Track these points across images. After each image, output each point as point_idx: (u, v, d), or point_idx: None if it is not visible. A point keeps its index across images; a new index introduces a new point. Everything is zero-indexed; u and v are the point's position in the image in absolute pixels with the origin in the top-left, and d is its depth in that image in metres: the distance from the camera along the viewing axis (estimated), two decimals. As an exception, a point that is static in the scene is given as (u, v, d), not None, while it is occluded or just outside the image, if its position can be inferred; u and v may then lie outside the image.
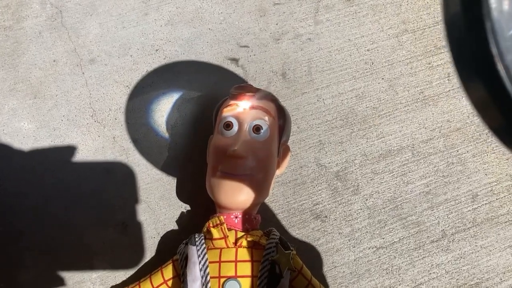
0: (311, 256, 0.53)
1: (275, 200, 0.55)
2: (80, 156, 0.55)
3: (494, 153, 0.58)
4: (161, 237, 0.54)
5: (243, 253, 0.45)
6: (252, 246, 0.45)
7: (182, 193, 0.55)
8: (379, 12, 0.61)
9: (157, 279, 0.47)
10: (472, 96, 0.21)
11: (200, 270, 0.44)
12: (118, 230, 0.53)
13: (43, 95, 0.57)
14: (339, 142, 0.57)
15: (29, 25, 0.58)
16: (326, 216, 0.55)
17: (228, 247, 0.45)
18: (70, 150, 0.55)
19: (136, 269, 0.52)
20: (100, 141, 0.56)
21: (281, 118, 0.51)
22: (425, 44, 0.61)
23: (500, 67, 0.19)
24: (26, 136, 0.55)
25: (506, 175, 0.57)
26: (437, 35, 0.61)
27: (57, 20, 0.59)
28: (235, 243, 0.45)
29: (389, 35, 0.61)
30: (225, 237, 0.45)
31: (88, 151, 0.55)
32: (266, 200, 0.54)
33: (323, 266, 0.53)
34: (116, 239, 0.53)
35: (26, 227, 0.53)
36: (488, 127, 0.21)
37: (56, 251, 0.53)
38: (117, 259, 0.53)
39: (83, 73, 0.57)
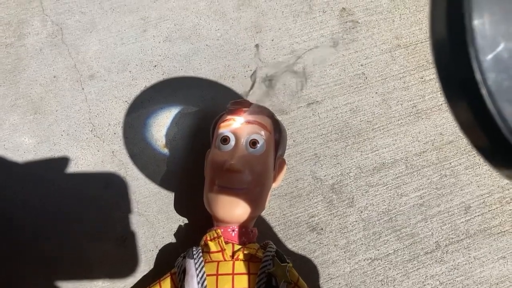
0: (307, 268, 0.54)
1: (271, 213, 0.56)
2: (80, 170, 0.56)
3: (486, 165, 0.59)
4: (159, 250, 0.54)
5: (240, 266, 0.46)
6: (249, 259, 0.46)
7: (180, 207, 0.56)
8: (372, 28, 0.63)
9: (156, 292, 0.48)
10: (458, 117, 0.22)
11: (198, 283, 0.44)
12: (117, 243, 0.54)
13: (43, 111, 0.58)
14: (334, 155, 0.58)
15: (30, 42, 0.60)
16: (322, 229, 0.56)
17: (225, 260, 0.46)
18: (70, 164, 0.56)
19: (135, 282, 0.53)
20: (100, 155, 0.57)
21: (277, 132, 0.52)
22: (418, 59, 0.62)
23: (483, 92, 0.20)
24: (27, 151, 0.56)
25: (498, 187, 0.58)
26: (429, 50, 0.62)
27: (58, 37, 0.60)
28: (232, 256, 0.46)
29: (382, 50, 0.62)
30: (222, 250, 0.46)
31: (87, 166, 0.56)
32: (263, 213, 0.55)
33: (319, 278, 0.54)
34: (115, 252, 0.54)
35: (25, 240, 0.54)
36: (474, 148, 0.22)
37: (55, 264, 0.53)
38: (116, 272, 0.53)
39: (83, 88, 0.59)
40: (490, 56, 0.20)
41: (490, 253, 0.56)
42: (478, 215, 0.57)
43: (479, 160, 0.59)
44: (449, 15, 0.20)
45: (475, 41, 0.19)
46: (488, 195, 0.58)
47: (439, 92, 0.61)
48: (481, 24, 0.19)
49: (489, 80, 0.19)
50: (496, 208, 0.57)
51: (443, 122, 0.60)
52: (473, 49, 0.19)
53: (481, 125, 0.20)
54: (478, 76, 0.19)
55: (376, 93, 0.60)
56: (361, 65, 0.61)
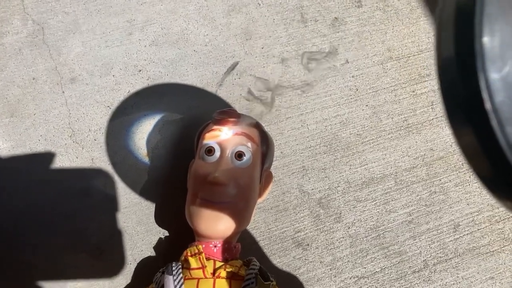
0: (292, 286, 0.52)
1: (256, 226, 0.54)
2: (57, 177, 0.53)
3: (476, 182, 0.58)
4: (138, 264, 0.52)
5: (222, 284, 0.44)
6: (231, 277, 0.44)
7: (160, 219, 0.53)
8: (365, 39, 0.62)
9: (132, 309, 0.45)
10: (461, 141, 0.20)
11: (176, 301, 0.42)
12: (93, 255, 0.52)
13: (20, 114, 0.55)
14: (323, 169, 0.56)
15: (8, 42, 0.57)
16: (308, 244, 0.54)
17: (206, 277, 0.44)
18: (47, 171, 0.54)
19: (111, 297, 0.51)
20: (78, 162, 0.54)
21: (264, 144, 0.50)
22: (410, 72, 0.61)
23: (490, 115, 0.18)
24: (1, 155, 0.54)
25: (488, 205, 0.57)
26: (421, 63, 0.62)
27: (39, 37, 0.58)
28: (213, 273, 0.44)
29: (374, 62, 0.61)
30: (203, 267, 0.44)
31: (65, 173, 0.54)
32: (247, 227, 0.53)
33: (303, 296, 0.52)
34: (91, 264, 0.51)
35: (-4, 251, 0.51)
36: (476, 175, 0.21)
37: (27, 277, 0.51)
38: (91, 285, 0.51)
39: (63, 92, 0.56)
40: (498, 76, 0.18)
41: (478, 273, 0.55)
42: (467, 234, 0.56)
43: (469, 177, 0.58)
44: (458, 34, 0.19)
45: (484, 60, 0.18)
46: (477, 213, 0.57)
47: (430, 107, 0.60)
48: (490, 43, 0.18)
49: (496, 101, 0.18)
50: (485, 227, 0.56)
51: (434, 138, 0.59)
52: (482, 69, 0.18)
53: (485, 151, 0.19)
54: (486, 98, 0.18)
55: (367, 105, 0.59)
56: (352, 77, 0.60)
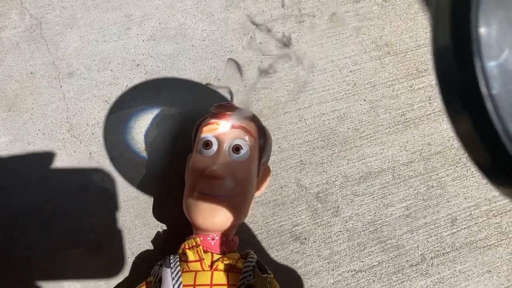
0: (289, 280, 0.52)
1: (254, 220, 0.54)
2: (55, 172, 0.53)
3: (474, 177, 0.58)
4: (136, 257, 0.52)
5: (219, 277, 0.44)
6: (228, 270, 0.44)
7: (158, 213, 0.53)
8: (363, 34, 0.62)
9: (129, 302, 0.45)
10: (458, 130, 0.20)
11: (174, 293, 0.42)
12: (91, 249, 0.52)
13: (18, 108, 0.55)
14: (320, 163, 0.56)
15: (6, 36, 0.57)
16: (305, 238, 0.54)
17: (203, 270, 0.44)
18: (45, 166, 0.54)
19: (109, 291, 0.51)
20: (76, 156, 0.54)
21: (262, 138, 0.50)
22: (407, 67, 0.61)
23: (487, 102, 0.18)
24: (-1, 149, 0.54)
25: (485, 200, 0.57)
26: (419, 58, 0.62)
27: (36, 32, 0.58)
28: (211, 266, 0.44)
29: (371, 57, 0.61)
30: (200, 260, 0.44)
31: (63, 167, 0.54)
32: (245, 221, 0.53)
33: (301, 289, 0.53)
34: (88, 258, 0.51)
35: (-6, 245, 0.51)
36: (474, 163, 0.21)
37: (25, 270, 0.51)
38: (89, 279, 0.51)
39: (61, 86, 0.56)
40: (494, 63, 0.18)
41: (475, 266, 0.55)
42: (465, 228, 0.56)
43: (467, 171, 0.58)
44: (454, 21, 0.19)
45: (480, 47, 0.18)
46: (474, 208, 0.57)
47: (428, 102, 0.60)
48: (487, 30, 0.18)
49: (494, 89, 0.18)
50: (483, 221, 0.56)
51: (432, 132, 0.59)
52: (478, 56, 0.18)
53: (482, 138, 0.19)
54: (482, 84, 0.18)
55: (365, 100, 0.59)
56: (350, 72, 0.60)
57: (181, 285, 0.43)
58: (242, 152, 0.47)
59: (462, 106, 0.19)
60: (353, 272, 0.53)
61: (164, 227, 0.53)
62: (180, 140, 0.55)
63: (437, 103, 0.60)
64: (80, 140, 0.55)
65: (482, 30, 0.18)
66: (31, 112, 0.55)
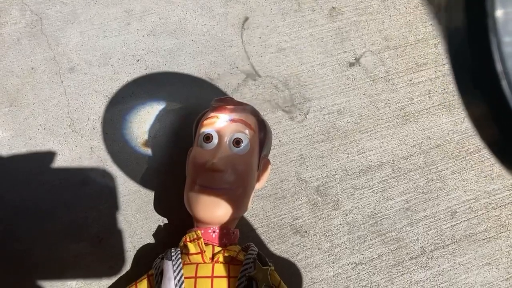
0: (290, 272, 0.53)
1: (254, 214, 0.54)
2: (56, 166, 0.54)
3: (473, 170, 0.58)
4: (137, 251, 0.52)
5: (220, 269, 0.44)
6: (229, 262, 0.45)
7: (159, 206, 0.54)
8: (362, 29, 0.62)
9: (131, 294, 0.46)
10: (471, 110, 0.20)
11: (176, 285, 0.42)
12: (93, 243, 0.52)
13: (19, 103, 0.55)
14: (320, 157, 0.57)
15: (7, 32, 0.57)
16: (305, 231, 0.54)
17: (204, 262, 0.44)
18: (46, 160, 0.54)
19: (110, 284, 0.51)
20: (77, 151, 0.54)
21: (262, 131, 0.50)
22: (407, 61, 0.61)
23: (504, 83, 0.18)
24: (1, 144, 0.54)
25: (484, 193, 0.57)
26: (418, 52, 0.62)
27: (37, 27, 0.58)
28: (212, 258, 0.44)
29: (371, 51, 0.61)
30: (201, 252, 0.44)
31: (64, 162, 0.54)
32: (245, 214, 0.54)
33: (302, 282, 0.53)
34: (90, 252, 0.52)
35: (-4, 239, 0.51)
36: (485, 144, 0.21)
37: (26, 263, 0.51)
38: (91, 273, 0.51)
39: (62, 81, 0.56)
40: (510, 40, 0.18)
41: (475, 259, 0.55)
42: (464, 221, 0.56)
43: (466, 165, 0.58)
44: (469, 3, 0.18)
45: (496, 23, 0.18)
46: (474, 201, 0.57)
47: (427, 95, 0.60)
48: (503, 5, 0.18)
49: (508, 65, 0.18)
50: (482, 214, 0.57)
51: (431, 126, 0.59)
52: (494, 32, 0.18)
53: (496, 118, 0.18)
54: (497, 61, 0.18)
55: (364, 94, 0.59)
56: (350, 66, 0.60)
57: (183, 277, 0.43)
58: (243, 145, 0.47)
59: (475, 86, 0.19)
60: (354, 265, 0.54)
61: (165, 220, 0.53)
62: (181, 135, 0.56)
63: (437, 97, 0.60)
64: (81, 134, 0.55)
65: (499, 11, 0.18)
66: (32, 107, 0.55)
